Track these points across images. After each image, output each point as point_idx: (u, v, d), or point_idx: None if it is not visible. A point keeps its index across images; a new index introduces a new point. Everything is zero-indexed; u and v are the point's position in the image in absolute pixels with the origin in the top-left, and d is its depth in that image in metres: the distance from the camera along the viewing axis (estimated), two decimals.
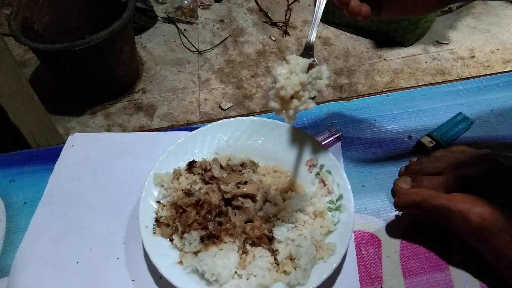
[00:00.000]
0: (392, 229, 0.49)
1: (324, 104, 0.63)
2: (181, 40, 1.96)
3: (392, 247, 0.47)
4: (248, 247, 0.45)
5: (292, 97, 0.40)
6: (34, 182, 0.56)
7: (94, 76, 1.60)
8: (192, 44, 1.92)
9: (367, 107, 0.62)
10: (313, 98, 0.41)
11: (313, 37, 0.43)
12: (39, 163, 0.58)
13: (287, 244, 0.45)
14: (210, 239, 0.45)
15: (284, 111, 0.40)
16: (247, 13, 2.08)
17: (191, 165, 0.51)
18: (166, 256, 0.45)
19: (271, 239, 0.46)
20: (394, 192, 0.51)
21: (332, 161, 0.51)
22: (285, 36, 1.95)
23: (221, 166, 0.51)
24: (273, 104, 0.40)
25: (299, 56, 0.41)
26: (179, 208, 0.48)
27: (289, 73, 0.39)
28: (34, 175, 0.56)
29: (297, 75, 0.39)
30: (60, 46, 1.38)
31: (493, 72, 0.79)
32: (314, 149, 0.53)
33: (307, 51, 0.43)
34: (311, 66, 0.41)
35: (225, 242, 0.45)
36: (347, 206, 0.47)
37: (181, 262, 0.45)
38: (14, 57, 1.09)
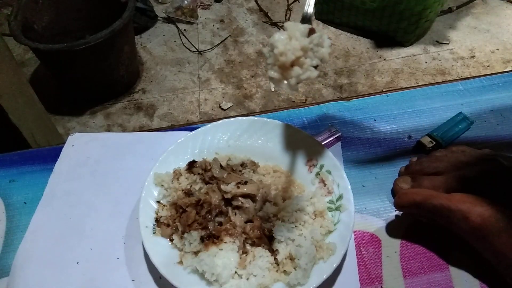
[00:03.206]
0: (392, 229, 0.49)
1: (324, 104, 0.63)
2: (181, 40, 1.95)
3: (392, 247, 0.47)
4: (248, 247, 0.45)
5: (292, 65, 0.36)
6: (34, 182, 0.56)
7: (94, 76, 1.60)
8: (192, 44, 1.92)
9: (367, 107, 0.62)
10: (315, 68, 0.37)
11: (310, 8, 0.40)
12: (39, 163, 0.58)
13: (287, 244, 0.45)
14: (210, 239, 0.45)
15: (284, 81, 0.37)
16: (247, 13, 2.08)
17: (191, 165, 0.51)
18: (166, 256, 0.45)
19: (271, 239, 0.46)
20: (394, 192, 0.51)
21: (332, 161, 0.51)
22: None
23: (221, 166, 0.51)
24: (272, 74, 0.36)
25: None
26: (179, 208, 0.48)
27: (288, 38, 0.36)
28: (34, 175, 0.56)
29: (298, 40, 0.36)
30: (60, 46, 1.37)
31: (493, 72, 0.79)
32: (314, 149, 0.53)
33: (305, 23, 0.39)
34: (311, 32, 0.37)
35: (225, 242, 0.45)
36: (347, 206, 0.47)
37: (181, 262, 0.45)
38: (14, 57, 1.09)
